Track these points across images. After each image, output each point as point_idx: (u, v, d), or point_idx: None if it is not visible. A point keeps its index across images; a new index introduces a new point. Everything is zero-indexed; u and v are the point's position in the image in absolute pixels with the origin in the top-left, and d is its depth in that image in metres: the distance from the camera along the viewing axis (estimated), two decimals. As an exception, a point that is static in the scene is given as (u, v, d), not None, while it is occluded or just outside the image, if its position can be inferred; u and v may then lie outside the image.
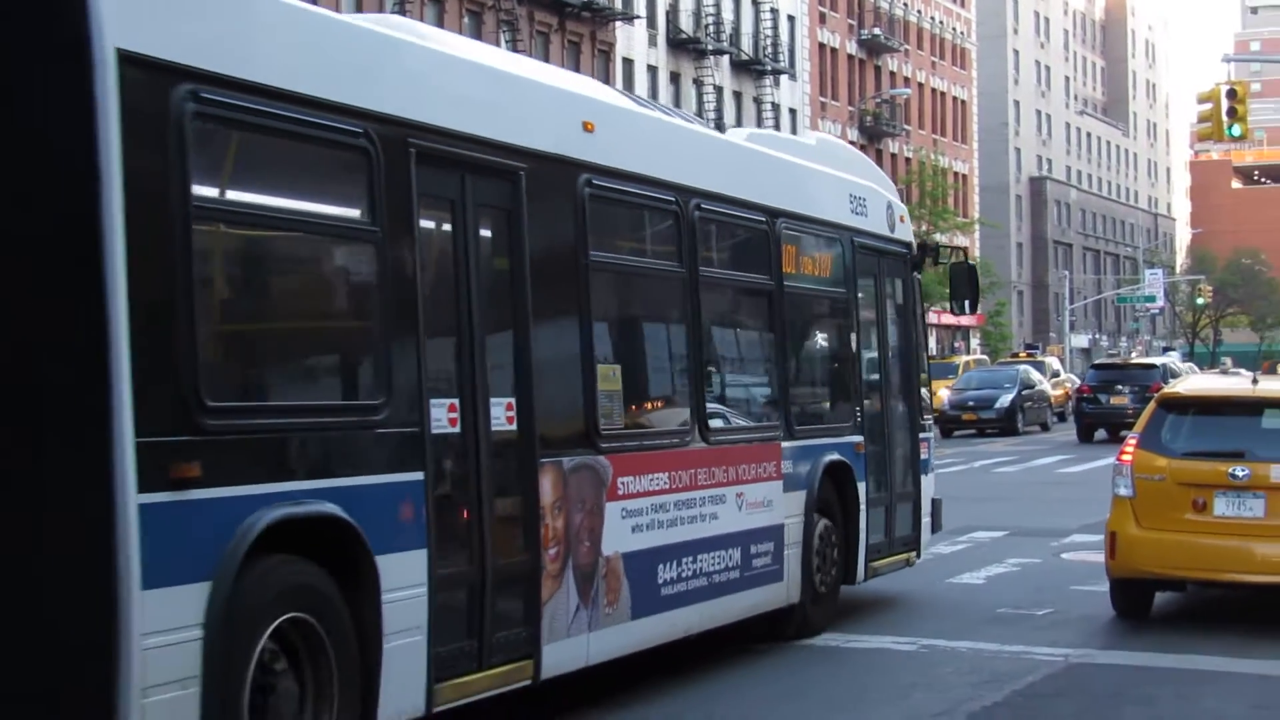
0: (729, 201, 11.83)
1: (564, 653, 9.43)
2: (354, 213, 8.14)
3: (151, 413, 6.52)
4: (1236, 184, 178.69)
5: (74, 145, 6.39)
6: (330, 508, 7.49)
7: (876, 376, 14.30)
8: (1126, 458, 13.45)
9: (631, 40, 62.11)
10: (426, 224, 8.54)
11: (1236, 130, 35.83)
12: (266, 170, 7.68)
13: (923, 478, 14.86)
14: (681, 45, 65.91)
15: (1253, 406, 13.69)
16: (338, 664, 7.56)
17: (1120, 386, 41.92)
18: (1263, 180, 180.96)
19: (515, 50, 52.69)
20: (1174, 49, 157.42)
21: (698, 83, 66.31)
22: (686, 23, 66.17)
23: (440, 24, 52.24)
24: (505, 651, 8.88)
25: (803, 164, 13.42)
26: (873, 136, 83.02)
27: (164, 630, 6.58)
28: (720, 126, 49.61)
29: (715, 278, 11.72)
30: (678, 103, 62.49)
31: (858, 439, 13.44)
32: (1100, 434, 42.21)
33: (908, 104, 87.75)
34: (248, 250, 7.64)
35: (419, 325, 8.30)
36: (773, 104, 71.98)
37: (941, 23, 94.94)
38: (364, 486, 7.77)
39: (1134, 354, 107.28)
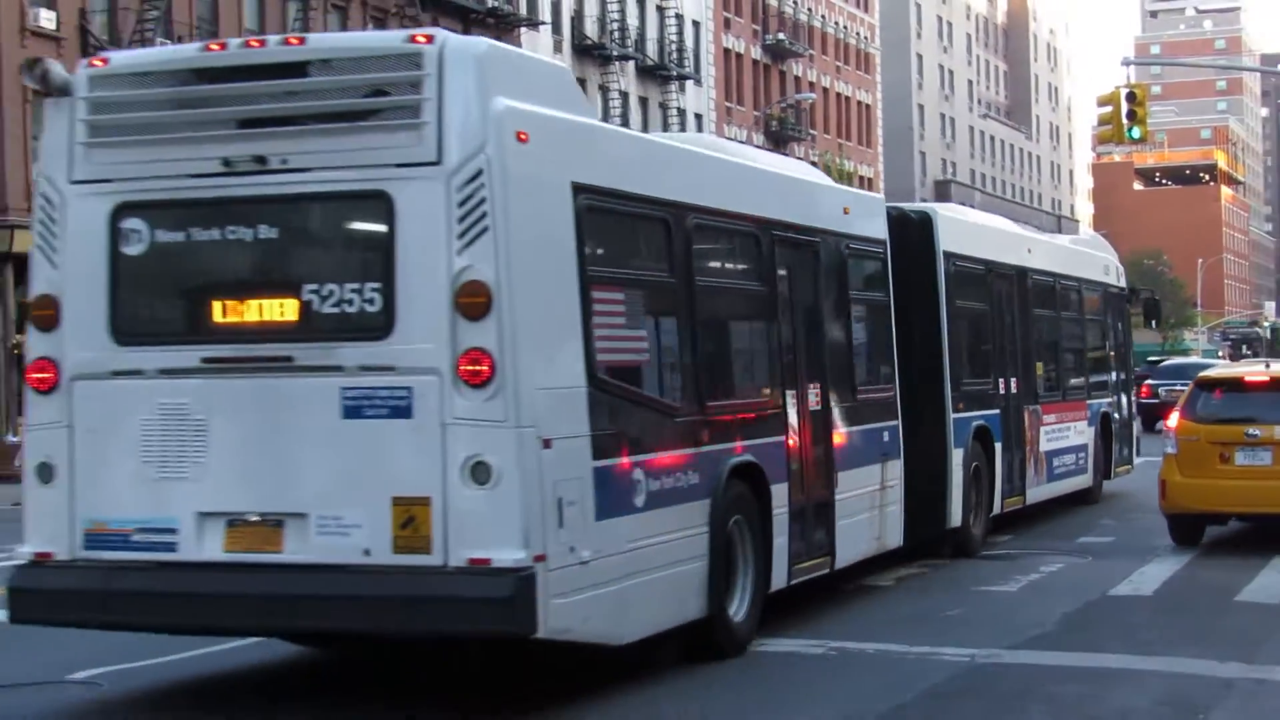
0: (1069, 279, 23.00)
1: (1032, 496, 20.46)
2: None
3: (953, 378, 17.54)
4: (1138, 186, 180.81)
5: (930, 285, 17.38)
6: (983, 423, 18.29)
7: (1114, 364, 25.28)
8: (1171, 424, 18.87)
9: (537, 46, 61.90)
10: (1038, 309, 20.96)
11: (1136, 133, 36.31)
12: (976, 287, 19.10)
13: (1134, 422, 26.52)
14: (587, 51, 65.85)
15: (1265, 384, 18.61)
16: (988, 479, 18.41)
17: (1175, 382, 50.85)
18: (1164, 181, 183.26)
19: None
20: (1075, 52, 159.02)
21: (603, 89, 66.25)
22: (592, 29, 66.13)
23: (344, 29, 51.90)
24: (1016, 493, 19.78)
25: (1088, 251, 25.02)
26: (778, 141, 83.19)
27: (958, 466, 17.37)
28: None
29: (1067, 317, 22.86)
30: (584, 109, 62.35)
31: (1112, 399, 24.69)
32: (1159, 425, 46.42)
33: (813, 108, 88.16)
34: (978, 317, 19.06)
35: (1025, 346, 20.53)
36: (678, 109, 72.08)
37: (845, 28, 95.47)
38: (989, 414, 18.64)
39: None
